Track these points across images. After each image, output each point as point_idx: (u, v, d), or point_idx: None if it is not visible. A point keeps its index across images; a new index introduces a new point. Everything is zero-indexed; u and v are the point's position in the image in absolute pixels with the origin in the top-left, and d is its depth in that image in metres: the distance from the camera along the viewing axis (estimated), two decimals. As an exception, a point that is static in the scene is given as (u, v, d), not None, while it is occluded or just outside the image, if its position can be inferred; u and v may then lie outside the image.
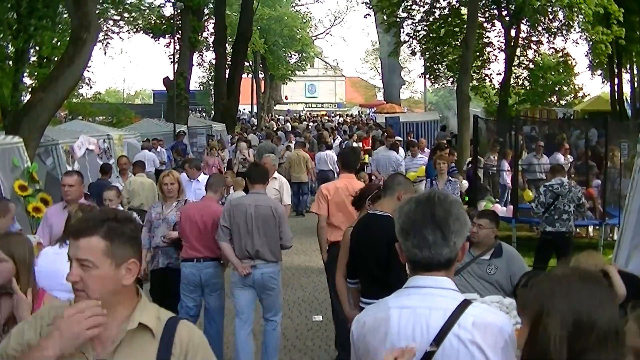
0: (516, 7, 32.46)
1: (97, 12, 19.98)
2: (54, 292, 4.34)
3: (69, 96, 20.57)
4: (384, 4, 35.55)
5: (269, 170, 9.55)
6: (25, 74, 25.33)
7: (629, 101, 41.34)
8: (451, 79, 38.71)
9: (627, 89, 41.11)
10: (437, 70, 38.45)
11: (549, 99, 45.77)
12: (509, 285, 6.60)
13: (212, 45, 44.78)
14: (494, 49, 37.02)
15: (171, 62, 33.07)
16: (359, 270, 6.25)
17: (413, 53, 39.51)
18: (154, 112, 51.59)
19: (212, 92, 50.15)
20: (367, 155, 22.20)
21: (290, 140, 26.00)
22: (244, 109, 69.28)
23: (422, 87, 68.21)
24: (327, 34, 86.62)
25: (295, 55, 74.82)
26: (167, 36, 37.83)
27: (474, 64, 30.90)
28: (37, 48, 24.89)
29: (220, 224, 8.09)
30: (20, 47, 23.54)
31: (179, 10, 33.26)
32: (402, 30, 38.45)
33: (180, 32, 33.39)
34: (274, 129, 41.39)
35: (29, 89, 24.68)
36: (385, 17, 37.49)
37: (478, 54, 33.92)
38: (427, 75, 40.99)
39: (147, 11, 39.20)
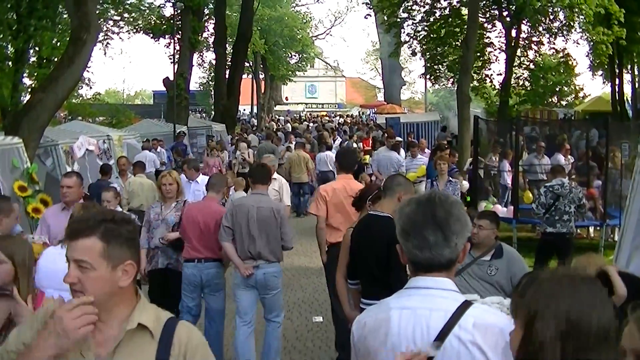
0: (517, 8, 32.44)
1: (97, 12, 19.94)
2: (55, 291, 4.32)
3: (69, 97, 20.55)
4: (384, 4, 35.56)
5: (271, 171, 9.53)
6: (25, 75, 25.35)
7: (630, 102, 41.28)
8: (452, 80, 38.72)
9: (627, 89, 41.15)
10: (437, 71, 38.47)
11: (550, 100, 45.74)
12: (510, 286, 6.56)
13: (212, 45, 44.85)
14: (495, 50, 37.09)
15: (171, 62, 33.12)
16: (359, 270, 6.25)
17: (413, 53, 39.55)
18: (153, 113, 51.70)
19: (212, 93, 50.20)
20: (367, 156, 22.17)
21: (291, 141, 25.97)
22: (244, 110, 69.24)
23: (422, 87, 68.31)
24: (327, 34, 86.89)
25: (295, 55, 74.90)
26: (167, 36, 37.89)
27: (474, 65, 30.88)
28: (37, 48, 24.90)
29: (223, 224, 8.09)
30: (20, 47, 23.55)
31: (179, 11, 33.28)
32: (402, 30, 38.48)
33: (180, 32, 33.42)
34: (274, 130, 41.35)
35: (29, 90, 24.71)
36: (385, 18, 37.49)
37: (479, 54, 33.92)
38: (428, 76, 41.01)
39: (147, 11, 39.26)
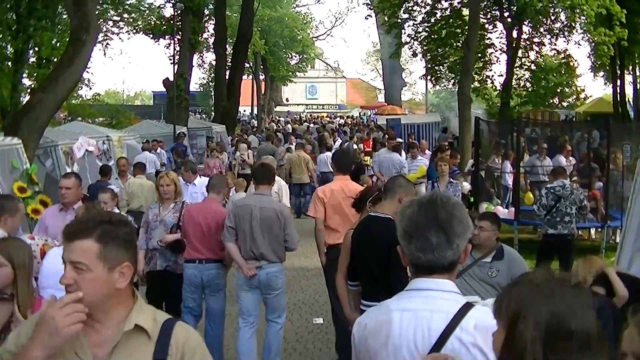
0: (518, 9, 32.41)
1: (97, 12, 19.94)
2: (56, 291, 4.34)
3: (69, 97, 20.54)
4: (385, 5, 35.56)
5: (274, 171, 9.50)
6: (25, 75, 25.35)
7: (632, 103, 41.25)
8: (452, 81, 38.72)
9: (629, 90, 41.08)
10: (438, 72, 38.46)
11: (551, 101, 45.68)
12: (511, 288, 6.52)
13: (212, 46, 44.92)
14: (496, 51, 37.10)
15: (171, 63, 33.15)
16: (359, 271, 6.24)
17: (414, 54, 39.53)
18: (153, 114, 51.67)
19: (212, 94, 50.24)
20: (367, 157, 22.13)
21: (291, 142, 25.94)
22: (244, 111, 69.28)
23: (423, 88, 68.12)
24: (327, 35, 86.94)
25: (295, 56, 74.91)
26: (167, 37, 37.86)
27: (475, 66, 30.87)
28: (37, 49, 24.89)
29: (226, 225, 8.11)
30: (20, 47, 23.52)
31: (179, 11, 33.28)
32: (403, 31, 38.47)
33: (180, 33, 33.40)
34: (274, 130, 41.32)
35: (28, 90, 24.71)
36: (386, 18, 37.49)
37: (479, 55, 33.92)
38: (429, 77, 41.03)
39: (147, 12, 39.34)
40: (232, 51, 39.15)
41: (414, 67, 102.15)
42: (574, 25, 33.87)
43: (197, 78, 63.81)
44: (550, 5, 32.25)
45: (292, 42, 69.43)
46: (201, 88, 66.62)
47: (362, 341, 3.01)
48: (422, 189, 15.46)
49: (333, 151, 23.29)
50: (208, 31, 46.15)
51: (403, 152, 19.58)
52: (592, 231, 16.05)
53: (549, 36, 36.28)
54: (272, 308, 8.32)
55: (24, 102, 18.06)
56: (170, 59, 34.69)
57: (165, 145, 25.11)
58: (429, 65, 38.56)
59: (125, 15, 37.44)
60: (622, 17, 29.91)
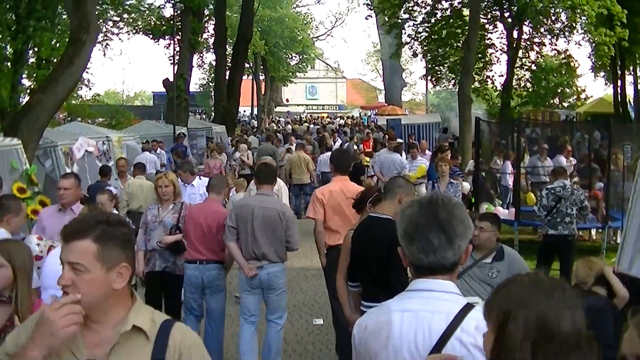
0: (518, 9, 32.39)
1: (97, 13, 19.92)
2: (57, 291, 4.35)
3: (68, 98, 20.53)
4: (385, 5, 35.53)
5: (276, 171, 9.49)
6: (24, 75, 25.38)
7: (632, 103, 41.20)
8: (453, 81, 38.69)
9: (630, 91, 40.99)
10: (438, 72, 38.44)
11: (552, 101, 45.64)
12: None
13: (212, 46, 44.90)
14: (496, 51, 37.08)
15: (171, 63, 33.14)
16: (359, 271, 6.24)
17: (414, 55, 39.49)
18: (153, 114, 51.60)
19: (212, 94, 50.25)
20: (367, 158, 22.08)
21: (291, 143, 25.91)
22: (244, 111, 69.27)
23: (423, 89, 68.12)
24: (328, 35, 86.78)
25: (295, 56, 74.81)
26: (166, 37, 37.85)
27: (475, 66, 30.87)
28: (36, 49, 24.93)
29: (228, 224, 8.12)
30: (19, 48, 23.53)
31: (178, 12, 33.24)
32: (403, 31, 38.42)
33: (180, 33, 33.36)
34: (274, 131, 41.28)
35: (28, 91, 24.75)
36: (386, 19, 37.44)
37: (480, 55, 33.89)
38: (429, 77, 40.99)
39: (147, 12, 39.34)
40: (232, 51, 39.12)
41: (414, 68, 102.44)
42: (574, 25, 33.82)
43: (197, 78, 63.93)
44: (551, 5, 32.22)
45: (292, 43, 69.34)
46: (201, 88, 66.57)
47: (362, 342, 3.00)
48: (422, 189, 15.45)
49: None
50: (208, 31, 46.16)
51: (403, 153, 19.56)
52: (593, 232, 16.03)
53: (549, 36, 36.25)
54: (272, 308, 8.32)
55: (24, 103, 18.08)
56: (170, 60, 34.73)
57: (165, 145, 25.08)
58: (429, 66, 38.54)
59: (125, 16, 37.45)
60: (623, 18, 29.85)
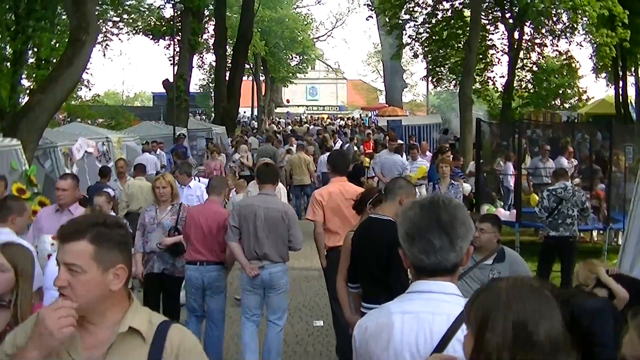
0: (520, 9, 32.34)
1: (96, 13, 19.87)
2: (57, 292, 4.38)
3: (68, 98, 20.51)
4: (386, 6, 35.47)
5: (278, 172, 9.46)
6: (24, 76, 25.35)
7: (634, 104, 41.13)
8: (454, 82, 38.62)
9: (631, 92, 40.87)
10: (439, 73, 38.38)
11: (553, 102, 45.59)
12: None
13: (212, 47, 44.88)
14: (497, 52, 36.99)
15: (171, 64, 33.11)
16: (359, 272, 6.24)
17: (415, 55, 39.43)
18: (153, 115, 51.62)
19: (212, 95, 50.24)
20: (367, 159, 22.05)
21: (291, 144, 25.89)
22: (244, 112, 69.31)
23: (424, 90, 68.28)
24: (328, 36, 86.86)
25: (296, 57, 74.80)
26: (166, 38, 37.78)
27: (476, 67, 30.83)
28: (36, 49, 24.91)
29: (230, 224, 8.14)
30: (19, 48, 23.49)
31: (178, 12, 33.20)
32: (404, 32, 38.37)
33: (180, 33, 33.32)
34: (274, 132, 41.25)
35: (27, 91, 24.70)
36: (387, 19, 37.38)
37: (481, 56, 33.83)
38: (430, 78, 40.97)
39: (147, 13, 39.33)
40: (232, 52, 39.12)
41: (415, 69, 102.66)
42: (576, 26, 33.73)
43: (197, 79, 63.94)
44: (552, 6, 32.15)
45: (293, 43, 69.32)
46: (201, 89, 66.55)
47: (362, 344, 3.00)
48: (423, 190, 15.45)
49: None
50: (208, 32, 46.16)
51: (404, 154, 19.56)
52: (594, 233, 16.00)
53: (550, 37, 36.18)
54: (273, 308, 8.33)
55: (23, 103, 18.07)
56: (170, 60, 34.69)
57: (165, 146, 25.06)
58: (430, 67, 38.54)
59: (125, 16, 37.46)
60: (625, 18, 29.75)
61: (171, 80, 32.05)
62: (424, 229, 2.82)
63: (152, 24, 38.86)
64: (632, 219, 9.48)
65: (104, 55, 39.88)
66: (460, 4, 34.93)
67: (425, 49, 37.30)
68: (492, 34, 36.56)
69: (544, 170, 17.67)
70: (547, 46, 37.13)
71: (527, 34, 35.83)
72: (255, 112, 67.34)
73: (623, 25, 30.32)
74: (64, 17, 26.03)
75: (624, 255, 9.45)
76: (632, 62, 38.63)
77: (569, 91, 46.72)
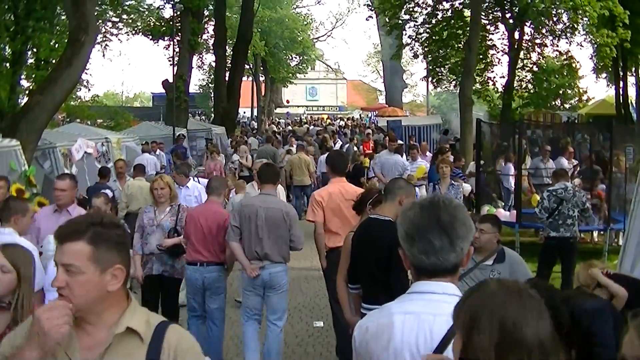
0: (520, 10, 32.30)
1: (96, 13, 19.86)
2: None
3: (67, 99, 20.50)
4: (386, 6, 35.43)
5: (278, 172, 9.45)
6: (23, 76, 25.30)
7: (634, 105, 41.12)
8: (454, 82, 38.60)
9: (632, 92, 40.86)
10: (439, 74, 38.33)
11: (553, 103, 45.58)
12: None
13: (211, 47, 44.87)
14: (497, 52, 36.93)
15: (170, 64, 33.06)
16: (359, 273, 6.24)
17: (415, 56, 39.38)
18: (153, 115, 51.58)
19: (212, 95, 50.16)
20: (367, 159, 22.04)
21: (291, 144, 25.88)
22: (244, 112, 69.29)
23: (424, 90, 68.19)
24: (328, 36, 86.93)
25: (296, 57, 74.79)
26: (166, 38, 37.68)
27: (477, 67, 30.82)
28: (35, 50, 24.89)
29: (231, 224, 8.16)
30: (18, 49, 23.45)
31: (178, 12, 33.18)
32: (404, 32, 38.34)
33: (179, 34, 33.31)
34: (274, 132, 41.25)
35: (27, 92, 24.64)
36: (387, 20, 37.34)
37: (481, 56, 33.80)
38: (430, 79, 40.93)
39: (146, 13, 39.29)
40: (231, 52, 39.10)
41: (415, 69, 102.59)
42: (576, 26, 33.67)
43: (197, 79, 63.89)
44: (553, 6, 32.11)
45: (293, 44, 69.27)
46: (201, 89, 66.51)
47: (363, 345, 2.99)
48: (423, 190, 15.42)
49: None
50: (208, 32, 46.18)
51: (404, 154, 19.55)
52: (595, 234, 16.01)
53: (551, 37, 36.12)
54: (273, 308, 8.33)
55: (22, 104, 18.07)
56: (169, 61, 34.63)
57: (165, 147, 25.05)
58: (430, 67, 38.51)
59: (124, 16, 37.43)
60: (625, 19, 29.72)
61: (171, 80, 32.02)
62: (424, 229, 2.82)
63: (152, 24, 38.75)
64: (633, 219, 9.47)
65: (104, 55, 40.01)
66: (460, 4, 34.91)
67: (425, 49, 37.25)
68: (492, 34, 36.54)
69: (544, 171, 17.65)
70: (547, 46, 37.10)
71: (527, 34, 35.80)
72: (255, 113, 67.33)
73: (623, 25, 30.29)
74: (63, 17, 26.01)
75: (624, 256, 9.43)
76: (633, 63, 38.60)
77: (569, 91, 46.74)
